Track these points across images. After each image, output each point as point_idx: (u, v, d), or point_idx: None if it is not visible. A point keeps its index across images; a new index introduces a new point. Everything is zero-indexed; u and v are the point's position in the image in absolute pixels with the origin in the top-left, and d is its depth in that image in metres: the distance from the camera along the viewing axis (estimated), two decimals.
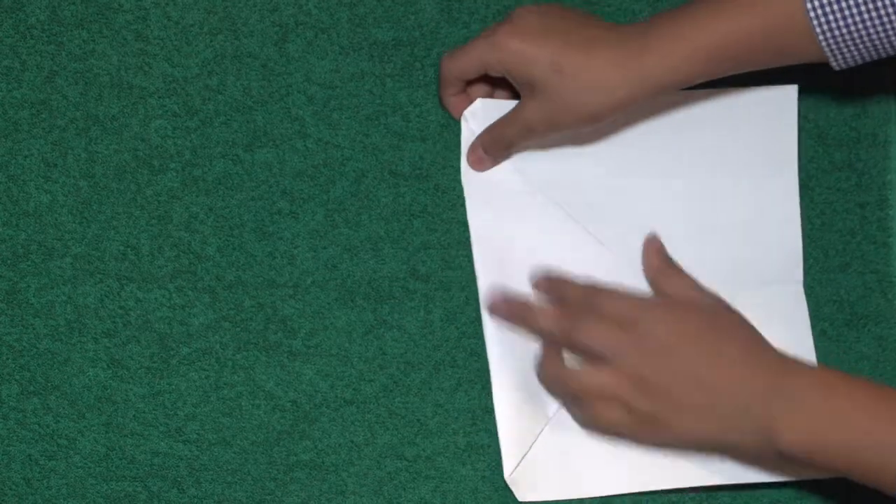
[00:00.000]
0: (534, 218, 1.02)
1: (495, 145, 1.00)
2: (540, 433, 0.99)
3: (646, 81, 0.93)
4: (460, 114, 1.02)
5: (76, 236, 0.98)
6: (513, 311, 0.98)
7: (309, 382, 0.99)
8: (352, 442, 0.99)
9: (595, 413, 0.94)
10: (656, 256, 0.99)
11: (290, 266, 1.00)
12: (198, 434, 0.98)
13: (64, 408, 0.97)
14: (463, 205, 1.02)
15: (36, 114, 0.99)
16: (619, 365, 0.92)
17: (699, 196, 1.04)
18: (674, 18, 0.93)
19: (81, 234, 0.98)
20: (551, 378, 0.96)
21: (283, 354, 0.99)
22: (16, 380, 0.97)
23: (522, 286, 1.00)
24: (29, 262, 0.98)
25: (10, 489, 0.96)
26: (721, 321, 0.93)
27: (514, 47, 0.94)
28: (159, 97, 1.01)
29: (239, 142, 1.01)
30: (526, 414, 0.99)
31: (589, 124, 0.95)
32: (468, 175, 1.02)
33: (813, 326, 1.04)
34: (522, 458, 0.99)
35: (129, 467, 0.97)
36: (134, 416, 0.97)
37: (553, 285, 0.99)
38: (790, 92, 1.05)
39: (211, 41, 1.02)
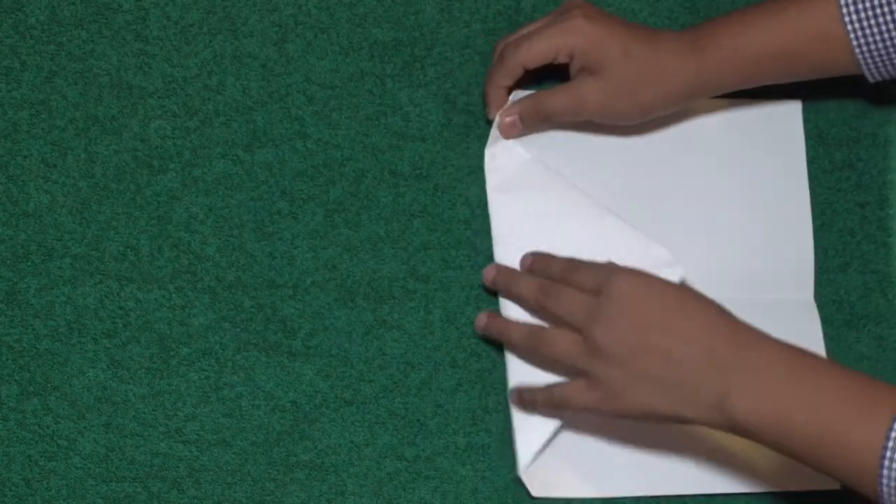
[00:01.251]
0: (553, 208, 1.01)
1: (535, 114, 1.00)
2: (555, 431, 0.99)
3: (700, 78, 0.97)
4: (498, 110, 1.01)
5: (76, 237, 0.98)
6: (499, 279, 1.00)
7: (309, 383, 0.99)
8: (352, 442, 0.99)
9: (561, 387, 0.95)
10: None
11: (290, 266, 1.00)
12: (198, 435, 0.97)
13: (64, 408, 0.97)
14: (464, 204, 1.02)
15: (35, 114, 0.99)
16: (583, 331, 0.92)
17: (711, 207, 1.04)
18: (726, 23, 0.97)
19: (81, 234, 0.98)
20: (526, 338, 0.97)
21: (283, 355, 0.99)
22: (15, 380, 0.97)
23: None
24: (29, 263, 0.98)
25: (10, 490, 0.96)
26: (683, 293, 0.92)
27: (588, 30, 0.96)
28: (159, 97, 1.00)
29: (238, 142, 1.01)
30: (540, 417, 0.99)
31: (640, 116, 0.99)
32: (492, 163, 1.02)
33: None
34: (537, 454, 0.99)
35: (129, 468, 0.97)
36: (134, 416, 0.97)
37: (538, 261, 0.99)
38: (795, 107, 1.06)
39: (210, 41, 1.01)
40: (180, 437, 0.97)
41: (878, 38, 0.92)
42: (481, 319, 1.00)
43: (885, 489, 0.83)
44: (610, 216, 1.00)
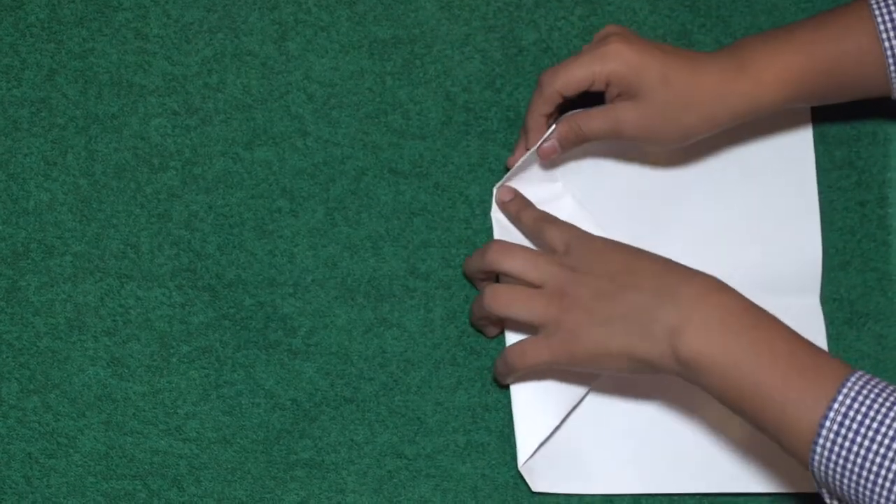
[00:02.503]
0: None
1: (573, 137, 0.99)
2: (556, 427, 0.99)
3: (744, 100, 0.96)
4: (538, 138, 0.99)
5: (76, 234, 0.98)
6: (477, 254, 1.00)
7: (309, 381, 0.99)
8: (352, 440, 0.99)
9: (516, 344, 0.95)
10: (511, 204, 1.01)
11: (290, 264, 1.00)
12: (198, 432, 0.98)
13: (64, 406, 0.97)
14: (464, 202, 1.02)
15: (36, 112, 0.99)
16: (542, 284, 0.94)
17: (719, 209, 1.04)
18: (767, 42, 0.96)
19: (81, 232, 0.98)
20: (488, 295, 0.96)
21: (283, 353, 0.99)
22: (16, 378, 0.97)
23: None
24: (29, 261, 0.98)
25: (10, 487, 0.96)
26: (643, 250, 0.94)
27: (626, 56, 0.95)
28: (159, 95, 1.01)
29: (239, 140, 1.01)
30: (542, 407, 0.99)
31: (681, 140, 0.98)
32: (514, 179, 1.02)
33: None
34: (537, 449, 0.99)
35: (129, 466, 0.97)
36: (134, 414, 0.97)
37: (515, 203, 1.01)
38: (804, 111, 1.06)
39: (211, 39, 1.02)
40: (180, 434, 0.97)
41: None
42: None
43: (816, 459, 0.83)
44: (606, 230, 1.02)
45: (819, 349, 0.86)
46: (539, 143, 0.98)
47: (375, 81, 1.03)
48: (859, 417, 0.81)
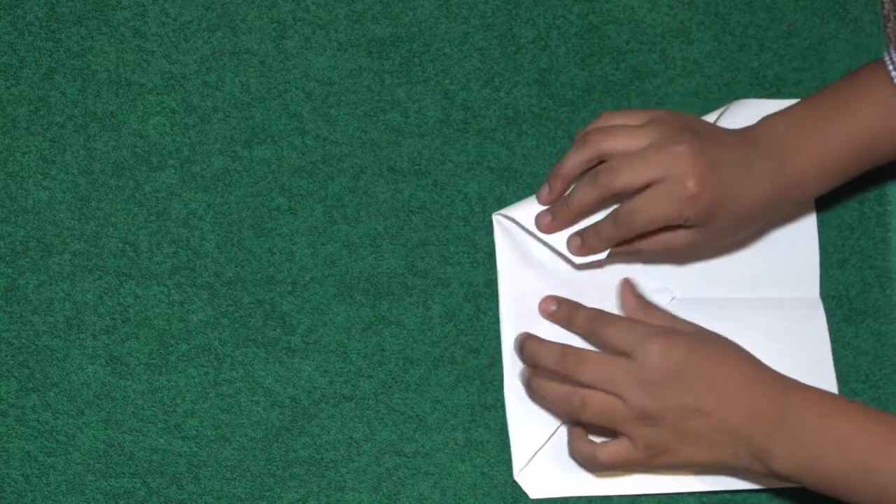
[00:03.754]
0: (557, 266, 1.02)
1: (601, 243, 0.99)
2: (550, 435, 0.99)
3: (790, 206, 0.97)
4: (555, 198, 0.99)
5: (75, 233, 0.98)
6: (524, 350, 0.99)
7: (308, 378, 0.99)
8: (350, 438, 0.99)
9: (604, 448, 0.96)
10: (631, 296, 0.99)
11: (289, 262, 1.00)
12: (197, 430, 0.98)
13: (63, 404, 0.97)
14: (462, 200, 1.02)
15: (34, 110, 0.99)
16: (622, 396, 0.94)
17: None
18: (807, 142, 0.95)
19: (80, 230, 0.99)
20: (563, 400, 0.97)
21: (282, 351, 0.99)
22: (15, 376, 0.97)
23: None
24: (28, 259, 0.98)
25: (9, 486, 0.96)
26: (711, 348, 0.94)
27: (702, 201, 0.93)
28: (157, 94, 1.01)
29: (237, 138, 1.01)
30: (536, 415, 0.99)
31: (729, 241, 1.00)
32: (501, 234, 1.02)
33: None
34: (532, 457, 0.99)
35: (128, 464, 0.97)
36: (133, 412, 0.97)
37: (562, 310, 1.00)
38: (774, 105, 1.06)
39: (209, 38, 1.02)
40: (179, 432, 0.97)
41: None
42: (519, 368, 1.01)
43: None
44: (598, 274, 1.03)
45: (883, 412, 0.91)
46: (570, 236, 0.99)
47: (374, 80, 1.03)
48: None
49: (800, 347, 1.02)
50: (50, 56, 1.00)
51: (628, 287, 0.99)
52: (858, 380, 1.04)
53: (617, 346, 0.95)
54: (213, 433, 0.98)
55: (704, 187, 0.92)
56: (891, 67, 0.93)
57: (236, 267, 1.00)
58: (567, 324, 1.00)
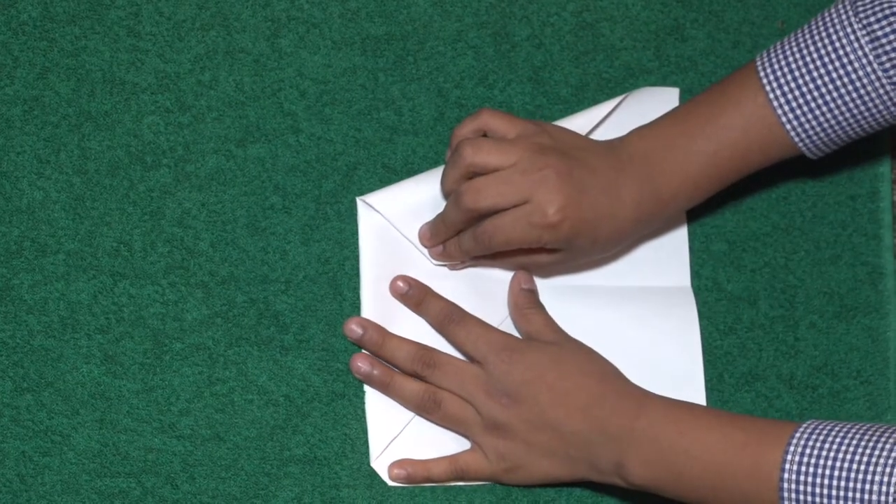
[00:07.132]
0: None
1: (459, 254, 0.99)
2: (407, 422, 0.99)
3: (659, 223, 0.98)
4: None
5: (69, 233, 0.99)
6: (368, 338, 0.99)
7: (301, 377, 0.99)
8: (345, 435, 0.99)
9: (462, 457, 0.97)
10: (519, 290, 1.00)
11: (283, 261, 1.00)
12: (191, 430, 0.98)
13: (57, 404, 0.97)
14: None
15: (28, 110, 0.99)
16: (474, 405, 0.95)
17: None
18: (673, 161, 0.95)
19: (74, 230, 0.99)
20: (421, 401, 0.98)
21: (276, 349, 0.99)
22: (9, 376, 0.97)
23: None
24: (22, 259, 0.98)
25: (4, 486, 0.96)
26: (568, 361, 0.95)
27: (565, 230, 0.93)
28: (152, 93, 1.01)
29: (231, 137, 1.01)
30: (393, 403, 0.99)
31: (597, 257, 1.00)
32: (365, 220, 1.02)
33: (802, 318, 1.05)
34: (389, 444, 0.99)
35: (123, 463, 0.97)
36: (127, 412, 0.98)
37: (415, 293, 1.00)
38: (672, 93, 1.05)
39: (203, 37, 1.01)
40: (174, 432, 0.98)
41: (810, 118, 0.92)
42: (360, 367, 0.99)
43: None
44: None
45: (747, 417, 0.91)
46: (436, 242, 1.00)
47: (368, 78, 1.03)
48: (813, 461, 0.85)
49: (668, 334, 1.01)
50: (44, 55, 1.00)
51: (518, 280, 1.00)
52: (850, 376, 1.05)
53: (467, 352, 0.97)
54: (208, 432, 0.98)
55: (566, 215, 0.92)
56: (762, 75, 0.93)
57: (230, 266, 1.00)
58: (418, 310, 1.00)
